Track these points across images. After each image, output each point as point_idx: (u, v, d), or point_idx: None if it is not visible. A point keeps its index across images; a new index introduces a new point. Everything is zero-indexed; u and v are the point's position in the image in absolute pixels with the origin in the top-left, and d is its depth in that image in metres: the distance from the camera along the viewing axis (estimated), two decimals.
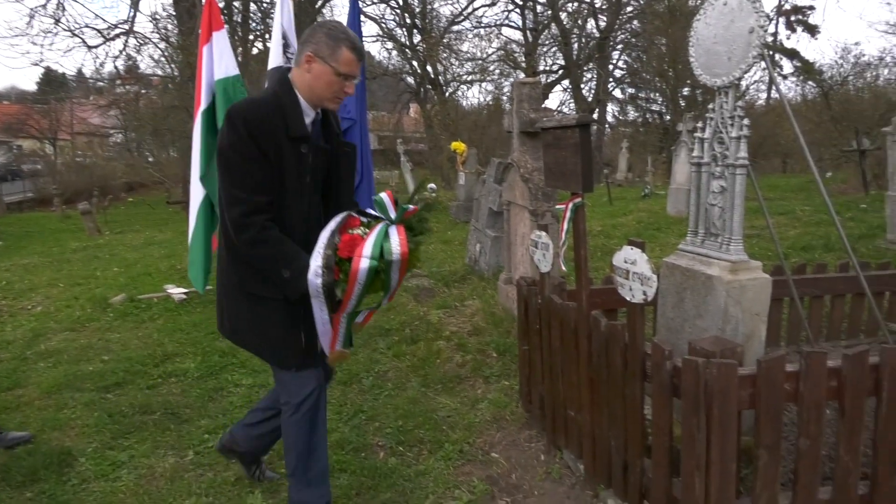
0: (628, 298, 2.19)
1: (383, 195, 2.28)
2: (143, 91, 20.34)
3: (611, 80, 27.24)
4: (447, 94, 24.32)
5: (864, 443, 2.06)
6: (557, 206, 2.55)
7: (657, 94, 26.18)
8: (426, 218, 2.32)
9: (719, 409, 1.88)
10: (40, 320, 5.55)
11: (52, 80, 29.63)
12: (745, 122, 2.47)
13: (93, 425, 3.39)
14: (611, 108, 28.45)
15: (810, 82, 22.91)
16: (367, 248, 2.11)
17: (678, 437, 2.05)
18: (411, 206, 2.27)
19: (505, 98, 22.39)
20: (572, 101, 26.81)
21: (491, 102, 23.48)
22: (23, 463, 2.94)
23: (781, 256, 3.09)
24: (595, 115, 25.74)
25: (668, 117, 24.20)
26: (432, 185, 15.62)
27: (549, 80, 26.32)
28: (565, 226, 2.49)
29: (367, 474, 2.81)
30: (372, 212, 2.34)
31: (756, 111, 21.76)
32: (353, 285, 2.11)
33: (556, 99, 27.88)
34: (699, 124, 2.71)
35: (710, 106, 2.64)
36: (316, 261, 2.10)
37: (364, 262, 2.09)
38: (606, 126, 27.94)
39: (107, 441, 3.22)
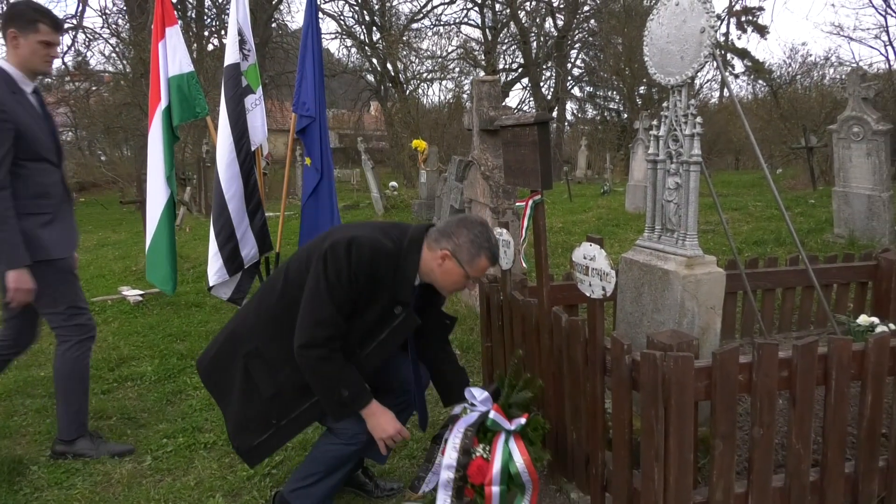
0: (588, 294, 2.22)
1: (493, 415, 2.35)
2: (93, 88, 19.76)
3: (569, 78, 27.61)
4: (407, 91, 24.27)
5: (814, 431, 2.13)
6: (518, 204, 2.58)
7: (614, 93, 26.61)
8: (541, 422, 2.39)
9: (677, 400, 1.93)
10: None
11: None
12: (699, 119, 2.53)
13: (45, 432, 3.28)
14: (570, 107, 28.83)
15: (760, 81, 23.64)
16: (496, 475, 2.27)
17: (638, 429, 2.09)
18: (523, 419, 2.35)
19: (465, 96, 22.48)
20: (532, 99, 27.07)
21: (451, 100, 23.52)
22: None
23: (735, 251, 3.18)
24: (554, 113, 26.05)
25: (626, 115, 24.63)
26: (394, 184, 15.58)
27: (508, 79, 26.51)
28: (525, 223, 2.51)
29: None
30: (474, 393, 2.43)
31: (709, 109, 22.32)
32: None
33: (516, 97, 28.09)
34: (654, 122, 2.77)
35: (665, 104, 2.70)
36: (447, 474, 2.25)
37: (496, 489, 2.25)
38: (566, 124, 28.29)
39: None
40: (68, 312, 2.95)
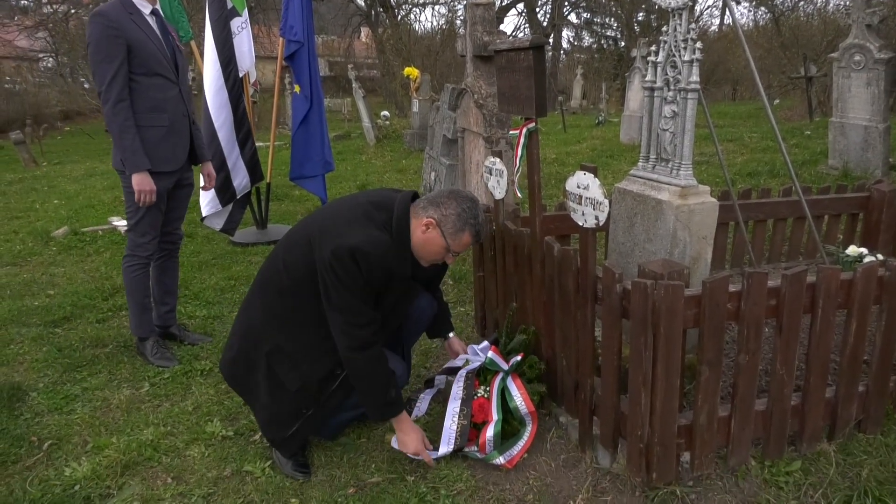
0: (580, 223, 2.22)
1: (491, 354, 2.53)
2: (72, 11, 18.98)
3: (566, 3, 26.71)
4: (399, 17, 23.47)
5: (798, 357, 2.18)
6: (511, 132, 2.53)
7: (612, 20, 25.84)
8: (536, 361, 2.55)
9: (666, 328, 1.95)
10: None
11: None
12: (698, 45, 2.47)
13: (42, 360, 3.33)
14: (566, 34, 28.08)
15: (762, 8, 22.93)
16: (494, 407, 2.42)
17: (626, 357, 2.14)
18: (519, 357, 2.51)
19: (459, 21, 21.77)
20: (527, 25, 26.28)
21: (445, 26, 22.80)
22: None
23: (729, 182, 3.16)
24: (550, 41, 25.35)
25: (623, 43, 24.01)
26: (385, 113, 15.30)
27: (503, 3, 25.63)
28: (519, 152, 2.48)
29: None
30: (476, 349, 2.61)
31: (709, 37, 21.78)
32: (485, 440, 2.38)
33: (511, 24, 27.24)
34: (653, 49, 2.69)
35: (665, 29, 2.62)
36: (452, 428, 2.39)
37: (490, 435, 2.37)
38: (561, 52, 27.60)
39: (58, 375, 3.17)
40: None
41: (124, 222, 5.96)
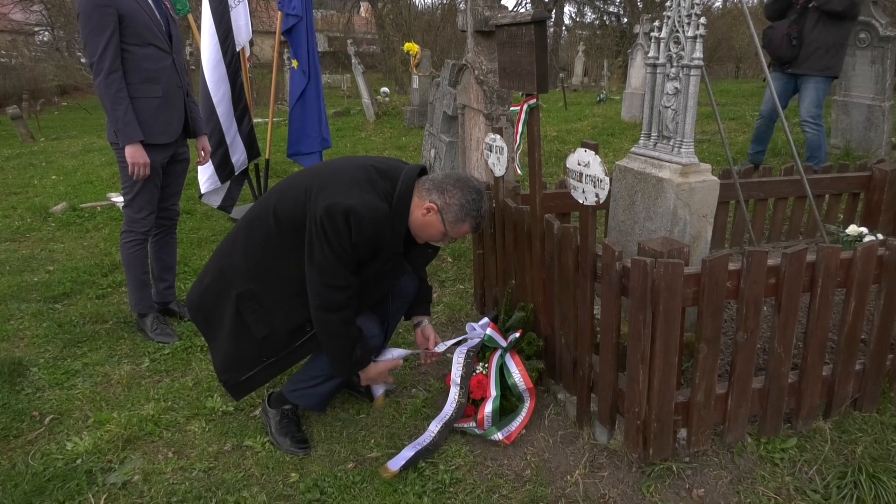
0: (581, 201, 2.21)
1: (490, 331, 2.52)
2: None
3: None
4: None
5: (796, 335, 2.19)
6: (512, 109, 2.51)
7: None
8: (534, 338, 2.57)
9: (665, 305, 1.96)
10: None
11: None
12: (702, 20, 2.43)
13: (42, 335, 3.34)
14: (568, 10, 27.74)
15: None
16: (492, 382, 2.45)
17: (625, 334, 2.14)
18: (517, 334, 2.53)
19: None
20: (529, 1, 25.94)
21: (445, 1, 22.51)
22: None
23: (731, 160, 3.15)
24: (552, 17, 25.05)
25: (626, 20, 23.74)
26: (385, 90, 15.17)
27: None
28: (520, 128, 2.46)
29: None
30: (475, 326, 2.58)
31: (713, 14, 21.53)
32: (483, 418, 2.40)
33: None
34: (656, 24, 2.66)
35: (668, 5, 2.58)
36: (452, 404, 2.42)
37: (488, 411, 2.39)
38: (563, 29, 27.29)
39: (59, 351, 3.18)
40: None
41: (122, 198, 5.95)
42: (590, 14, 27.32)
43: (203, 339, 3.24)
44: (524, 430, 2.42)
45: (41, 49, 25.46)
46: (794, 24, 5.16)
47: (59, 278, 4.11)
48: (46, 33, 24.83)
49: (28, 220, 5.57)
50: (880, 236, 3.08)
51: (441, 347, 2.57)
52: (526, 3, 25.99)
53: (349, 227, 2.06)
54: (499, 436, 2.37)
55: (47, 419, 2.62)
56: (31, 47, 25.12)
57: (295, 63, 5.04)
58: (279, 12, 5.05)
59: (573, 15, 28.14)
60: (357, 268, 2.18)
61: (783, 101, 5.53)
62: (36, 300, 3.80)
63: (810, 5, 5.09)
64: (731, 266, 2.01)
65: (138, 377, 2.94)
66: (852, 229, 3.17)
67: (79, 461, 2.35)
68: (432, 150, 6.53)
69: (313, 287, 2.15)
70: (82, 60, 21.94)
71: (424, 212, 2.20)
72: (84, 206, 5.91)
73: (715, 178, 2.60)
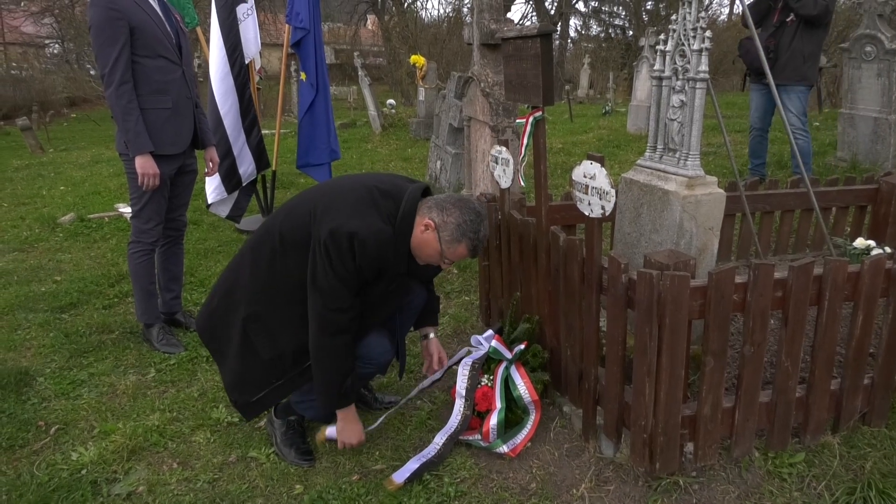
0: (587, 213, 2.21)
1: (495, 343, 2.53)
2: None
3: None
4: (406, 4, 23.34)
5: (803, 349, 2.18)
6: (518, 121, 2.52)
7: (620, 8, 25.63)
8: (539, 350, 2.56)
9: (671, 318, 1.95)
10: None
11: None
12: (708, 34, 2.44)
13: (49, 345, 3.35)
14: (573, 23, 27.80)
15: None
16: (498, 394, 2.44)
17: (631, 347, 2.13)
18: (522, 346, 2.53)
19: (465, 9, 21.64)
20: (534, 14, 26.09)
21: (451, 14, 22.65)
22: None
23: (736, 173, 3.14)
24: (557, 29, 25.17)
25: (631, 33, 23.82)
26: (391, 102, 15.24)
27: None
28: (525, 140, 2.47)
29: None
30: (481, 338, 2.57)
31: (718, 27, 21.58)
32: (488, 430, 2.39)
33: (518, 12, 27.04)
34: (661, 37, 2.67)
35: (674, 18, 2.59)
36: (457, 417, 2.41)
37: (494, 423, 2.38)
38: (569, 41, 27.40)
39: (65, 361, 3.19)
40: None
41: (129, 209, 5.98)
42: (595, 27, 27.45)
43: (207, 349, 3.25)
44: (529, 443, 2.41)
45: (51, 61, 25.72)
46: (771, 36, 5.25)
47: (66, 288, 4.12)
48: (57, 46, 25.09)
49: (36, 231, 5.60)
50: (888, 249, 3.07)
51: (437, 375, 2.60)
52: (531, 16, 26.15)
53: (353, 251, 2.05)
54: (504, 448, 2.36)
55: (53, 429, 2.62)
56: (41, 59, 25.39)
57: (303, 76, 5.08)
58: (287, 25, 5.09)
59: (578, 28, 28.23)
60: (360, 290, 2.17)
61: (768, 112, 5.59)
62: (43, 310, 3.81)
63: (787, 20, 5.17)
64: (738, 279, 2.01)
65: (144, 387, 2.94)
66: (859, 242, 3.15)
67: (84, 472, 2.35)
68: (438, 162, 6.55)
69: (314, 310, 2.14)
70: (91, 72, 22.16)
71: (423, 229, 2.18)
72: (92, 216, 5.95)
73: (721, 190, 2.59)
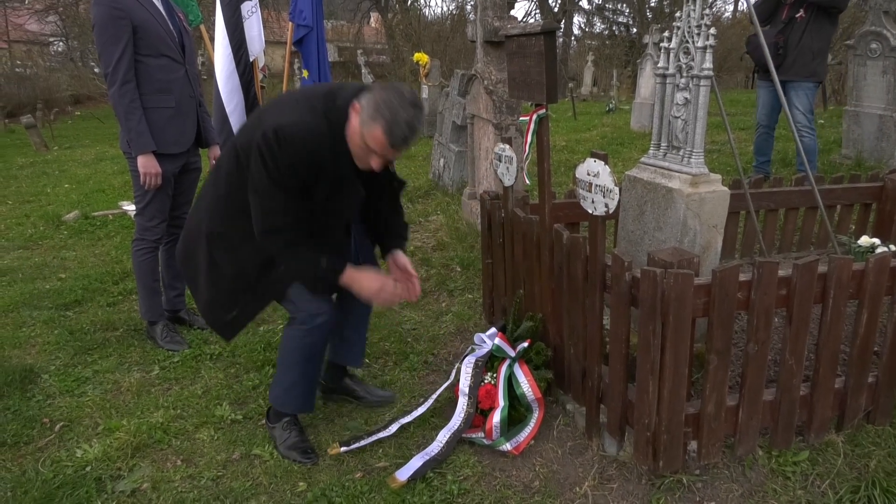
0: (590, 211, 2.20)
1: (498, 340, 2.53)
2: None
3: None
4: (409, 2, 23.31)
5: (807, 347, 2.17)
6: (521, 119, 2.52)
7: (624, 5, 25.55)
8: (543, 347, 2.55)
9: (675, 316, 1.95)
10: None
11: None
12: (712, 31, 2.43)
13: (54, 343, 3.36)
14: (577, 20, 27.76)
15: None
16: (501, 392, 2.44)
17: (634, 345, 2.13)
18: (526, 343, 2.52)
19: (469, 7, 21.59)
20: (538, 11, 26.04)
21: (454, 11, 22.62)
22: None
23: (741, 170, 3.13)
24: (561, 27, 25.12)
25: (635, 30, 23.76)
26: None
27: None
28: (529, 138, 2.46)
29: None
30: (484, 336, 2.57)
31: (722, 24, 21.51)
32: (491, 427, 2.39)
33: (522, 9, 27.04)
34: (666, 35, 2.66)
35: (678, 15, 2.59)
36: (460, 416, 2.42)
37: (497, 420, 2.39)
38: (572, 39, 27.35)
39: (69, 358, 3.20)
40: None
41: (134, 207, 6.00)
42: (599, 24, 27.38)
43: (212, 347, 3.26)
44: (533, 441, 2.41)
45: (55, 59, 25.78)
46: (780, 33, 5.21)
47: (70, 286, 4.14)
48: (61, 44, 25.14)
49: (41, 228, 5.62)
50: (893, 247, 3.06)
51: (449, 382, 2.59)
52: (535, 14, 26.09)
53: (281, 147, 2.02)
54: (507, 446, 2.36)
55: (57, 426, 2.63)
56: (45, 57, 25.45)
57: (305, 73, 5.08)
58: (290, 23, 5.09)
59: (582, 25, 28.18)
60: (301, 193, 2.13)
61: (775, 110, 5.56)
62: (48, 307, 3.82)
63: (797, 15, 5.14)
64: (742, 277, 2.00)
65: (148, 385, 2.95)
66: (864, 240, 3.14)
67: (88, 468, 2.36)
68: (441, 160, 6.54)
69: (255, 211, 2.14)
70: (96, 70, 22.22)
71: (353, 116, 2.06)
72: (96, 214, 5.96)
73: (725, 188, 2.59)
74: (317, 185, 2.14)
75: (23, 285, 4.20)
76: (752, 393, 2.15)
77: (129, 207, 5.98)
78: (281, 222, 2.12)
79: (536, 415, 2.45)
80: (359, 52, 15.24)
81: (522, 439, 2.38)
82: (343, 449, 2.38)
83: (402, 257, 2.47)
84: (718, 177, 2.61)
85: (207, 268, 2.31)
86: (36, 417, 2.69)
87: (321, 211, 2.21)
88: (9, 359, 3.19)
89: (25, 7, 22.16)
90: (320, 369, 2.52)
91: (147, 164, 3.02)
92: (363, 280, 2.23)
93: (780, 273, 2.03)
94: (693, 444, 2.20)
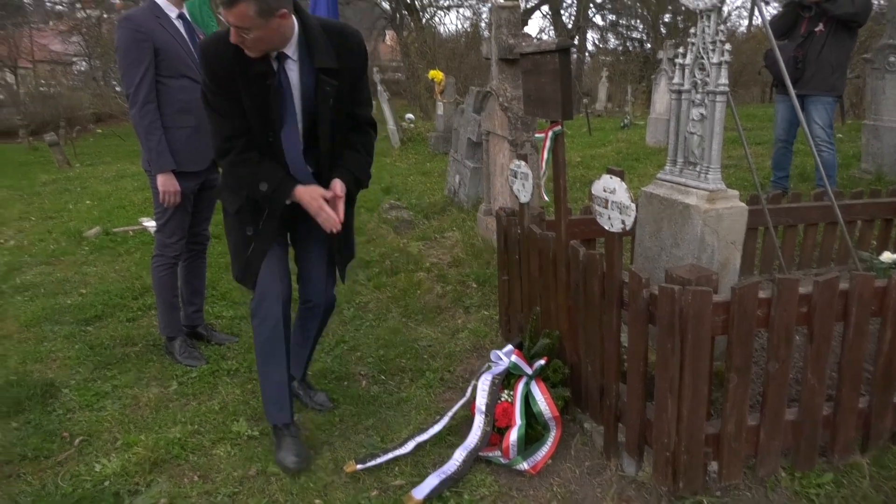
0: (607, 228, 2.20)
1: (515, 358, 2.54)
2: (104, 15, 19.39)
3: (591, 5, 26.55)
4: (424, 20, 23.55)
5: (829, 366, 2.14)
6: (536, 136, 2.53)
7: (638, 21, 25.62)
8: (560, 365, 2.53)
9: (693, 334, 1.93)
10: (14, 254, 5.46)
11: (7, 4, 28.02)
12: (727, 47, 2.43)
13: (74, 357, 3.40)
14: (591, 36, 27.85)
15: None
16: (518, 410, 2.42)
17: (652, 363, 2.11)
18: (543, 361, 2.52)
19: (483, 24, 21.75)
20: (552, 28, 26.18)
21: (469, 29, 22.81)
22: (6, 394, 2.96)
23: (758, 186, 3.11)
24: (574, 42, 25.20)
25: (649, 45, 23.79)
26: (410, 116, 15.34)
27: (528, 6, 25.56)
28: (545, 155, 2.47)
29: (351, 402, 2.88)
30: (500, 353, 2.58)
31: (737, 39, 21.46)
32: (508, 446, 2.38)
33: (535, 26, 27.19)
34: (680, 50, 2.67)
35: (692, 31, 2.59)
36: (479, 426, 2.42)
37: (514, 439, 2.37)
38: (586, 55, 27.42)
39: (89, 372, 3.23)
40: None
41: (154, 223, 6.07)
42: (613, 40, 27.46)
43: (229, 363, 3.28)
44: (550, 460, 2.39)
45: (78, 78, 26.31)
46: (799, 47, 5.18)
47: (91, 301, 4.19)
48: (84, 63, 25.65)
49: (63, 244, 5.70)
50: None
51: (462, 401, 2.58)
52: (548, 30, 26.23)
53: (203, 62, 2.16)
54: (524, 465, 2.34)
55: (77, 440, 2.65)
56: (69, 77, 25.98)
57: None
58: None
59: (596, 41, 28.27)
60: (233, 107, 2.20)
61: (793, 124, 5.51)
62: (69, 322, 3.87)
63: (816, 29, 5.11)
64: (762, 294, 1.98)
65: (166, 400, 2.97)
66: (886, 256, 3.10)
67: (107, 483, 2.37)
68: (457, 176, 6.57)
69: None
70: (117, 89, 22.62)
71: None
72: (116, 230, 6.05)
73: (743, 204, 2.57)
74: (243, 93, 2.18)
75: (45, 300, 4.26)
76: (773, 412, 2.12)
77: (149, 224, 6.06)
78: (221, 142, 2.25)
79: (554, 433, 2.43)
80: (375, 69, 15.39)
81: (540, 458, 2.36)
82: (359, 466, 2.38)
83: (335, 182, 2.35)
84: (736, 192, 2.59)
85: (224, 218, 2.50)
86: (56, 431, 2.71)
87: (259, 129, 2.26)
88: (31, 373, 3.23)
89: (50, 28, 22.68)
90: (284, 372, 2.45)
91: (166, 183, 3.07)
92: (305, 195, 2.27)
93: (801, 290, 2.00)
94: (713, 465, 2.17)
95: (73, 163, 12.58)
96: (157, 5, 3.07)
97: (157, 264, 3.28)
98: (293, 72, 2.24)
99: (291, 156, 2.32)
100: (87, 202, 7.88)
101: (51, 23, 24.27)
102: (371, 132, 2.51)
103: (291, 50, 2.20)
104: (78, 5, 20.62)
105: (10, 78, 29.06)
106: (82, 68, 26.92)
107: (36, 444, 2.62)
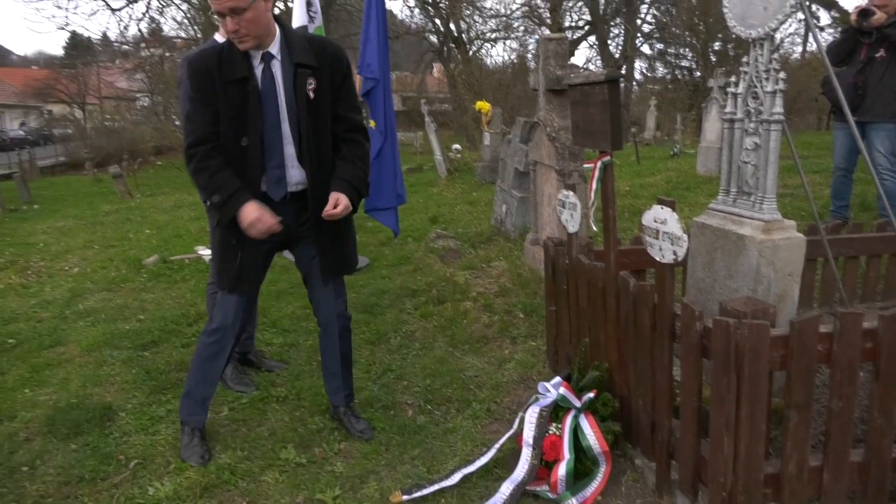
0: (658, 258, 2.17)
1: (563, 390, 2.50)
2: (167, 54, 20.38)
3: (639, 35, 26.54)
4: (471, 52, 23.92)
5: None
6: (585, 166, 2.52)
7: (687, 50, 25.43)
8: (609, 399, 2.49)
9: (750, 369, 1.87)
10: (77, 281, 5.70)
11: (78, 45, 29.76)
12: (781, 75, 2.39)
13: (131, 381, 3.50)
14: (638, 65, 27.79)
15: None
16: (566, 444, 2.38)
17: (706, 398, 2.05)
18: (592, 394, 2.48)
19: (530, 56, 21.98)
20: (599, 58, 26.21)
21: (515, 61, 23.05)
22: (67, 416, 3.06)
23: (816, 216, 3.02)
24: (622, 72, 25.15)
25: (699, 73, 23.55)
26: (457, 146, 15.50)
27: (574, 37, 25.70)
28: (594, 185, 2.46)
29: (397, 431, 2.87)
30: (548, 385, 2.56)
31: (791, 65, 21.05)
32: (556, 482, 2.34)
33: (582, 56, 27.35)
34: (732, 79, 2.63)
35: (744, 60, 2.56)
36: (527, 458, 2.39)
37: (562, 473, 2.33)
38: (634, 83, 27.33)
39: (145, 397, 3.32)
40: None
41: (209, 251, 6.25)
42: (661, 68, 27.30)
43: (278, 390, 3.32)
44: (600, 497, 2.33)
45: (141, 113, 27.63)
46: (859, 73, 5.03)
47: (148, 327, 4.32)
48: (146, 99, 26.93)
49: (123, 272, 5.93)
50: None
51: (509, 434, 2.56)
52: (595, 60, 26.26)
53: (185, 71, 2.34)
54: (573, 501, 2.29)
55: (132, 463, 2.72)
56: (132, 112, 27.31)
57: (373, 123, 5.25)
58: (358, 76, 5.30)
59: (644, 70, 28.16)
60: (208, 111, 2.33)
61: (853, 152, 5.33)
62: (127, 347, 4.00)
63: (876, 55, 4.96)
64: (823, 328, 1.91)
65: (217, 425, 3.03)
66: None
67: None
68: (504, 206, 6.58)
69: None
70: (176, 123, 23.62)
71: None
72: (173, 258, 6.25)
73: (800, 234, 2.50)
74: (222, 97, 2.32)
75: (105, 326, 4.42)
76: (837, 453, 2.02)
77: (205, 252, 6.25)
78: (189, 151, 2.38)
79: (603, 469, 2.37)
80: (422, 101, 15.68)
81: (589, 494, 2.31)
82: (405, 497, 2.36)
83: (340, 197, 2.43)
84: (793, 223, 2.52)
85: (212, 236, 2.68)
86: (112, 454, 2.79)
87: (232, 135, 2.37)
88: (90, 396, 3.35)
89: (116, 66, 23.93)
90: (211, 391, 2.77)
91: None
92: (243, 211, 2.37)
93: (865, 325, 1.92)
94: None
95: (135, 193, 13.13)
96: (218, 43, 3.21)
97: (212, 292, 3.36)
98: (277, 70, 2.40)
99: (275, 157, 2.45)
100: (147, 231, 8.19)
101: (117, 61, 25.63)
102: (363, 141, 2.60)
103: (276, 49, 2.39)
104: (142, 44, 21.74)
105: (78, 113, 30.74)
106: (145, 104, 28.28)
107: (93, 465, 2.70)
